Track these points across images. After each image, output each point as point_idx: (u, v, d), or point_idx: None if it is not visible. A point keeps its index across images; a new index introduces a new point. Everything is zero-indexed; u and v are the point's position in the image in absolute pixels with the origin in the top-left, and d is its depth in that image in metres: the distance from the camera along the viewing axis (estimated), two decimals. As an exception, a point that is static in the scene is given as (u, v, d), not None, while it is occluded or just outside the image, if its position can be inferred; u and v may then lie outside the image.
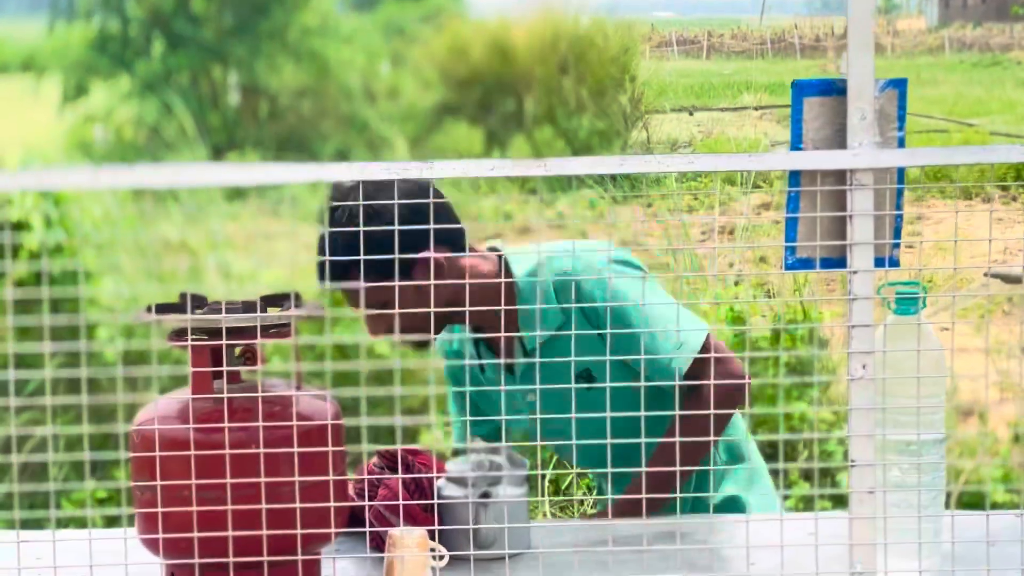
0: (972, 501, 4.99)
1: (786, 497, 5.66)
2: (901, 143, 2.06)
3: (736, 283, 7.25)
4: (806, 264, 2.10)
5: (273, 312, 2.41)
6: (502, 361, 3.00)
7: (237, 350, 2.47)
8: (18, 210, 5.78)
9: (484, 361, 3.05)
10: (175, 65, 13.22)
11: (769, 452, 5.62)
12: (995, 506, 5.32)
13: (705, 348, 2.86)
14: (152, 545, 2.39)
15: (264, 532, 2.14)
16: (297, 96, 13.14)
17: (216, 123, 13.06)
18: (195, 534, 2.15)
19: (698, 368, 2.81)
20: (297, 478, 2.21)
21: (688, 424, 2.62)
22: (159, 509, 2.21)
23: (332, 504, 2.24)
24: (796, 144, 2.08)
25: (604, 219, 9.33)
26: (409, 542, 2.51)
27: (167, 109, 12.32)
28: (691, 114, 14.39)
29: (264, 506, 2.16)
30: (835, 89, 2.06)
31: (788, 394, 5.83)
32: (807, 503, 5.62)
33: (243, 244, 7.20)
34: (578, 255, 2.90)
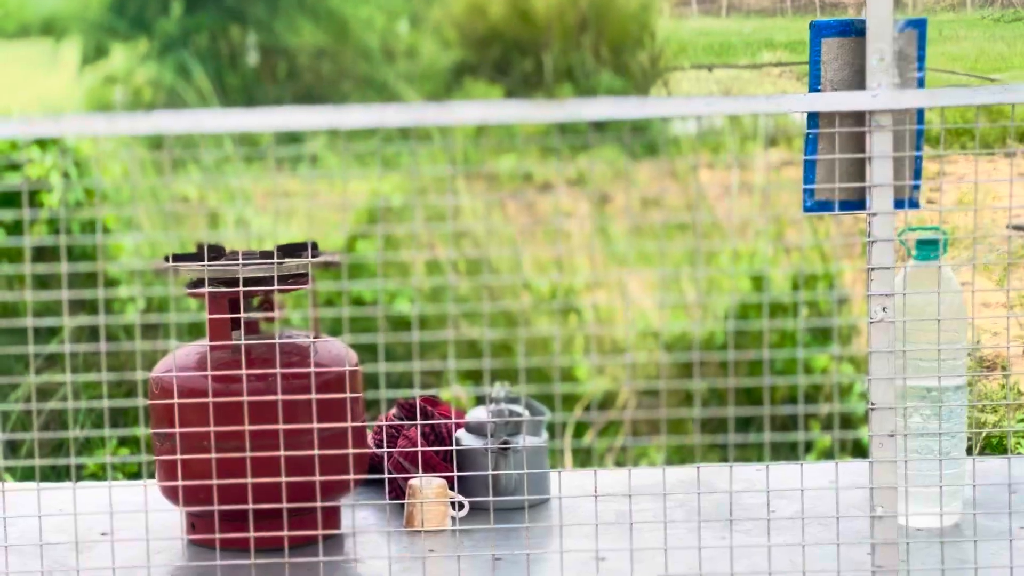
0: (995, 453, 4.97)
1: (808, 449, 5.66)
2: (921, 84, 2.04)
3: (756, 234, 7.22)
4: (825, 206, 2.08)
5: (290, 261, 2.40)
6: None
7: (255, 300, 2.47)
8: (37, 168, 5.78)
9: None
10: (193, 26, 13.19)
11: (790, 399, 5.62)
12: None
13: None
14: (172, 494, 2.39)
15: (283, 480, 2.13)
16: (315, 56, 13.11)
17: (235, 83, 13.03)
18: (214, 481, 2.15)
19: None
20: (316, 425, 2.21)
21: None
22: (178, 457, 2.20)
23: (351, 451, 2.24)
24: (815, 86, 2.06)
25: (623, 177, 9.30)
26: (429, 491, 2.51)
27: (185, 70, 12.30)
28: (710, 71, 14.32)
29: (282, 453, 2.16)
30: (854, 30, 2.04)
31: (807, 348, 5.81)
32: (829, 456, 5.60)
33: (261, 201, 7.19)
34: None
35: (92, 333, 5.62)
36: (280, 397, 2.18)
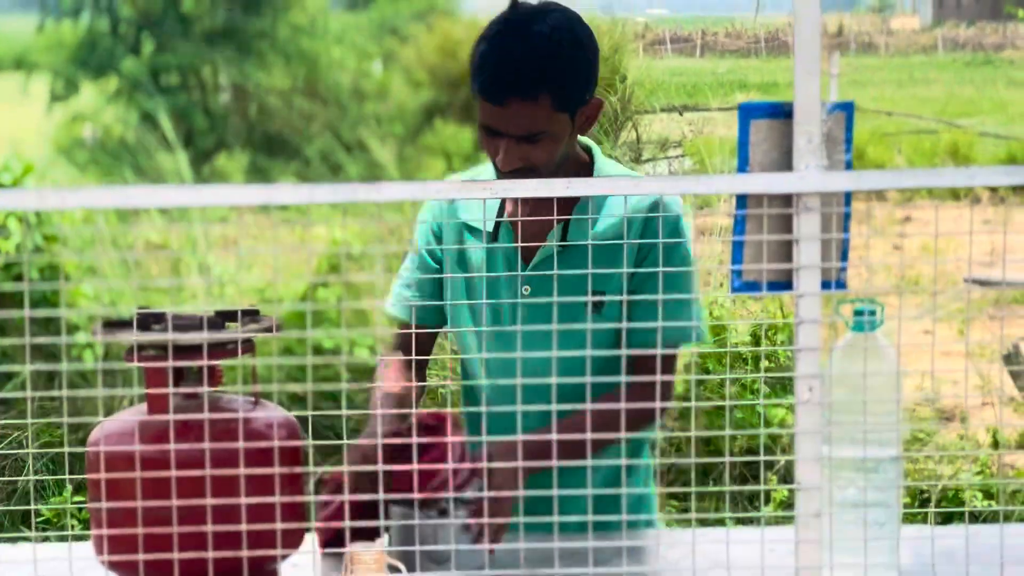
0: (950, 513, 4.98)
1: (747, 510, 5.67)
2: (848, 166, 2.06)
3: (721, 284, 7.26)
4: (752, 287, 2.10)
5: (230, 328, 2.40)
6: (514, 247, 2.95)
7: (194, 368, 2.47)
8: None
9: (501, 245, 2.96)
10: (164, 65, 13.22)
11: (748, 451, 5.63)
12: (973, 516, 5.33)
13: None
14: (109, 565, 2.39)
15: (210, 555, 2.13)
16: (286, 96, 13.13)
17: (204, 124, 13.06)
18: (140, 556, 2.15)
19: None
20: (243, 500, 2.21)
21: (637, 396, 2.57)
22: (104, 531, 2.20)
23: (278, 526, 2.24)
24: (743, 167, 2.08)
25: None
26: (367, 559, 2.51)
27: (155, 109, 12.32)
28: (681, 114, 14.37)
29: (208, 527, 2.16)
30: (782, 112, 2.06)
31: (766, 398, 5.82)
32: (787, 506, 5.62)
33: (226, 245, 7.20)
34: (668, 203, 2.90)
35: (48, 381, 5.61)
36: (208, 471, 2.18)
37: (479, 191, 1.95)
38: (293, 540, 2.41)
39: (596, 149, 2.99)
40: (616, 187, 1.95)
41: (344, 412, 2.16)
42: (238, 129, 13.14)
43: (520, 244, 2.94)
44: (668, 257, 2.81)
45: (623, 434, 2.39)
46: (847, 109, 2.05)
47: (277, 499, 2.20)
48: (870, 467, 2.45)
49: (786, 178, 2.03)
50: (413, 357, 2.90)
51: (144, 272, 6.15)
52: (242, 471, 2.18)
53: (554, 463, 2.34)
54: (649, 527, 3.04)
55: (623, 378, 2.37)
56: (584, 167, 2.98)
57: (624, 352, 2.48)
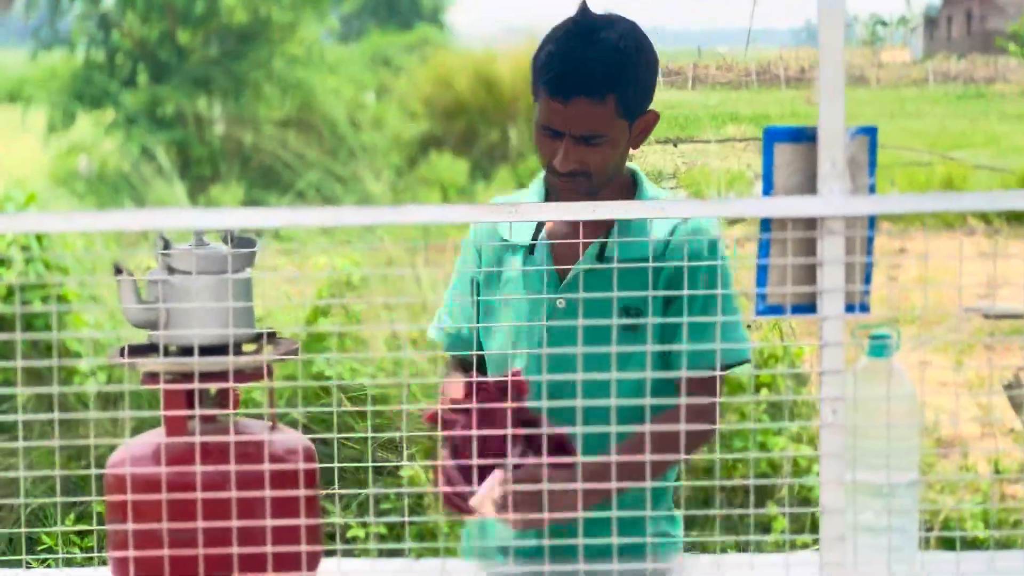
0: (951, 541, 4.98)
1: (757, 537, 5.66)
2: (872, 190, 2.07)
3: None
4: (776, 310, 2.11)
5: (248, 350, 2.41)
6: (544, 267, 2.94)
7: (212, 391, 2.47)
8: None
9: (545, 267, 2.94)
10: (160, 96, 13.22)
11: (746, 489, 5.63)
12: (973, 544, 5.33)
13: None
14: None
15: (235, 576, 2.13)
16: (281, 127, 13.14)
17: (201, 153, 13.05)
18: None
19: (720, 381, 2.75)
20: (269, 521, 2.21)
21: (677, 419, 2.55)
22: (130, 552, 2.20)
23: (304, 549, 2.24)
24: (767, 190, 2.09)
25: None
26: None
27: (152, 140, 12.32)
28: (675, 146, 14.40)
29: (236, 549, 2.16)
30: (805, 136, 2.07)
31: (766, 431, 5.83)
32: (788, 538, 5.61)
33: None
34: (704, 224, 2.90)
35: (49, 407, 5.59)
36: (233, 494, 2.18)
37: (506, 214, 1.96)
38: (311, 563, 2.42)
39: (640, 174, 3.01)
40: (642, 210, 1.95)
41: (368, 435, 2.16)
42: (233, 161, 13.14)
43: (553, 267, 2.95)
44: (710, 278, 2.79)
45: (681, 455, 2.38)
46: (871, 133, 2.06)
47: (302, 521, 2.21)
48: (886, 492, 2.46)
49: (810, 202, 2.04)
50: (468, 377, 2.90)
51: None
52: (267, 493, 2.19)
53: (613, 485, 2.36)
54: (675, 549, 3.03)
55: (683, 399, 2.39)
56: (628, 188, 3.01)
57: (680, 374, 2.50)
